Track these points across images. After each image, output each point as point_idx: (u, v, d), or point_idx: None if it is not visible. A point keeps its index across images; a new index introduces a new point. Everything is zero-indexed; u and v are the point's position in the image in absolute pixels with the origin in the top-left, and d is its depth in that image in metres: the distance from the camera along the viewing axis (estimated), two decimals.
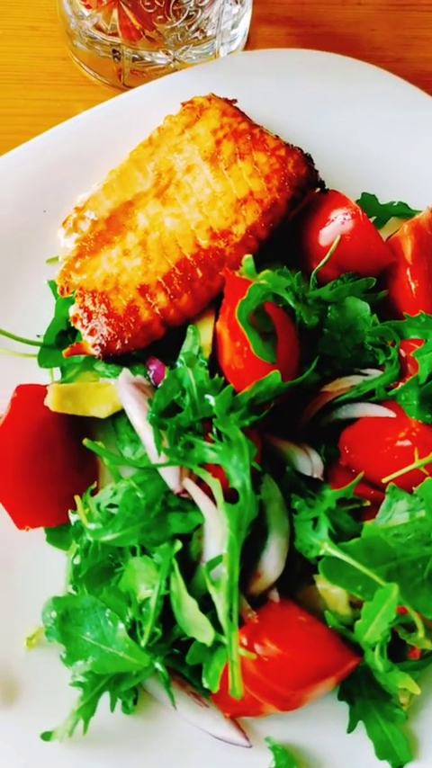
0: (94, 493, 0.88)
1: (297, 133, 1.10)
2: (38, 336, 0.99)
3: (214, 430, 0.84)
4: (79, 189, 1.05)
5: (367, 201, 1.08)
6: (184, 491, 0.81)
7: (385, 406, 0.90)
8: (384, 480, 0.84)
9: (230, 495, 0.80)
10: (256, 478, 0.82)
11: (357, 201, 1.07)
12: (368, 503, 0.85)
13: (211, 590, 0.77)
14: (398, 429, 0.88)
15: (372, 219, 1.08)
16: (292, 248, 1.03)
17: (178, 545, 0.80)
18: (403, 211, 1.09)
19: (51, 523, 0.90)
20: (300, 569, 0.85)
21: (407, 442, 0.84)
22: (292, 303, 0.85)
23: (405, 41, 1.28)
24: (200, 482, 0.82)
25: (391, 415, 0.88)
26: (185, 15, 1.03)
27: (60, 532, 0.91)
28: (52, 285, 1.02)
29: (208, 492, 0.81)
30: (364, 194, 1.07)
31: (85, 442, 0.84)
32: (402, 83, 1.14)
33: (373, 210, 1.08)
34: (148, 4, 1.01)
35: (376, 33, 1.28)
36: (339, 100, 1.12)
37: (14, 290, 1.03)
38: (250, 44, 1.25)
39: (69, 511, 0.87)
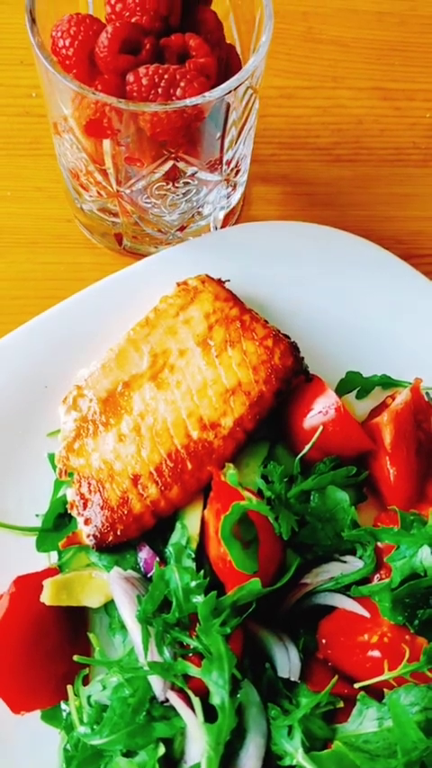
0: (85, 681, 0.94)
1: (286, 304, 1.17)
2: (36, 516, 1.05)
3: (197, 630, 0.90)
4: (80, 364, 1.12)
5: (352, 378, 1.13)
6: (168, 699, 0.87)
7: (361, 602, 0.96)
8: (356, 686, 0.90)
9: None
10: (236, 684, 0.88)
11: (341, 381, 1.13)
12: (341, 704, 0.90)
13: None
14: (372, 627, 0.93)
15: (356, 390, 1.15)
16: (278, 425, 1.09)
17: (161, 750, 0.86)
18: (386, 382, 1.15)
19: (46, 706, 0.96)
20: (275, 764, 0.90)
21: (377, 653, 0.90)
22: (271, 519, 0.90)
23: (396, 198, 1.34)
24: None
25: (366, 614, 0.94)
26: (180, 209, 1.09)
27: (55, 711, 0.97)
28: (51, 459, 1.08)
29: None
30: (348, 373, 1.13)
31: (76, 657, 0.90)
32: (389, 256, 1.20)
33: (357, 383, 1.14)
34: (147, 200, 1.07)
35: (369, 191, 1.34)
36: (327, 273, 1.19)
37: (16, 463, 1.09)
38: (246, 204, 1.31)
39: (62, 702, 0.93)
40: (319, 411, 1.05)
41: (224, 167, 1.06)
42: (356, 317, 1.18)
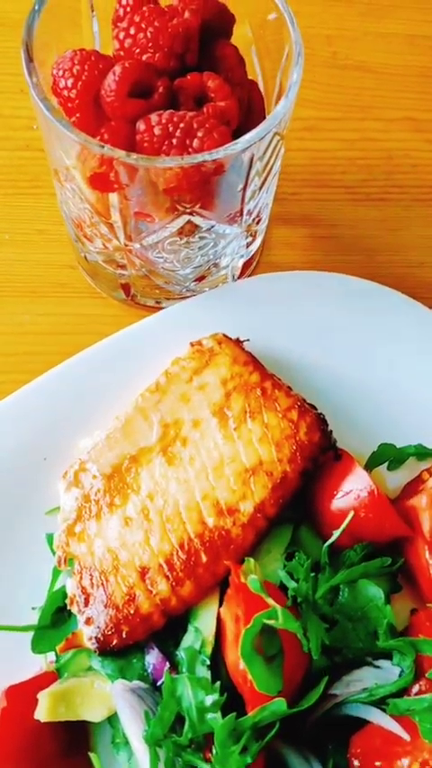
0: None
1: (308, 363, 1.06)
2: (33, 609, 0.94)
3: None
4: (82, 434, 1.01)
5: (384, 451, 1.02)
6: None
7: (398, 718, 0.84)
8: None
9: None
10: None
11: (373, 454, 1.02)
12: None
13: None
14: (412, 751, 0.82)
15: (389, 461, 1.03)
16: (302, 504, 0.98)
17: None
18: (422, 452, 1.04)
19: None
20: None
21: None
22: (300, 636, 0.79)
23: (430, 242, 1.23)
24: None
25: (405, 737, 0.82)
26: (194, 263, 0.98)
27: None
28: (50, 540, 0.97)
29: None
30: (381, 446, 1.02)
31: None
32: (422, 309, 1.09)
33: (389, 455, 1.03)
34: (158, 255, 0.96)
35: (400, 234, 1.23)
36: (353, 329, 1.08)
37: (11, 545, 0.98)
38: (266, 248, 1.20)
39: None
40: (350, 492, 0.94)
41: (245, 218, 0.95)
42: (386, 378, 1.06)
